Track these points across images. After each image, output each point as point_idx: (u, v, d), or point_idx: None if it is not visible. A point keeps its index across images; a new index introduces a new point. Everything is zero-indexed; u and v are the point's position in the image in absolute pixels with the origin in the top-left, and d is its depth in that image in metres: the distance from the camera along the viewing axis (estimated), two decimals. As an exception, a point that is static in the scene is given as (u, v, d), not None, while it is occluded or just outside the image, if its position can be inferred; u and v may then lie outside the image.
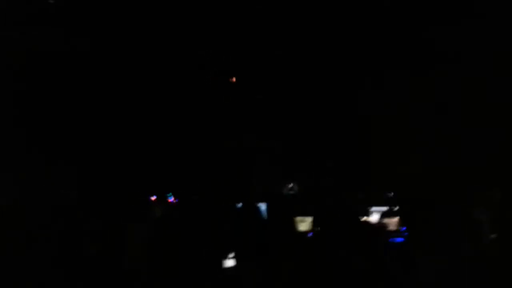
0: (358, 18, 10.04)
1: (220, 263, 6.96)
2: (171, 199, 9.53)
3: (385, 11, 9.94)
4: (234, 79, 10.70)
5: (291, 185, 10.16)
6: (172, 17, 10.01)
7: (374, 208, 9.29)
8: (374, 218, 9.19)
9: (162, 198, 9.27)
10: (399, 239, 7.72)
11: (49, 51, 9.67)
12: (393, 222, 8.94)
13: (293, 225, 7.36)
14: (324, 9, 10.02)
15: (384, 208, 9.32)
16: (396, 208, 9.15)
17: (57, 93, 9.87)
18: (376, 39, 10.22)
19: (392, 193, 9.78)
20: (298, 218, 7.81)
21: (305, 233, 7.76)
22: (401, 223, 8.61)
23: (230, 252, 6.94)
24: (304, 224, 7.93)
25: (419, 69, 10.10)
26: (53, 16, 9.70)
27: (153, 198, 9.04)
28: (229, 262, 6.96)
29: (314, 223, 7.74)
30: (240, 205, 7.52)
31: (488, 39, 9.49)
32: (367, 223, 8.14)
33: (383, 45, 10.20)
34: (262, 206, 7.62)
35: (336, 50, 10.41)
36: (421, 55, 10.08)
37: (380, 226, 8.57)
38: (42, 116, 9.60)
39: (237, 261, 6.83)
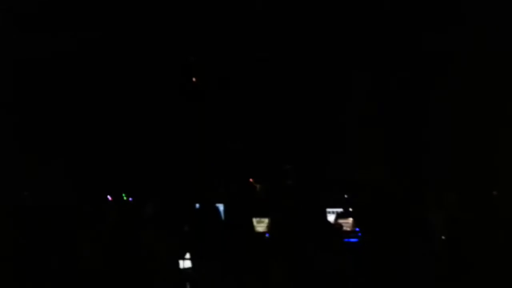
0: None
1: (178, 263, 6.98)
2: (127, 199, 9.50)
3: (384, 13, 10.01)
4: (194, 79, 10.70)
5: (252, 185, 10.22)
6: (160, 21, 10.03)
7: (329, 209, 9.40)
8: (329, 218, 9.30)
9: (118, 198, 9.24)
10: (354, 240, 7.83)
11: (40, 55, 9.64)
12: (348, 223, 9.08)
13: (251, 226, 7.40)
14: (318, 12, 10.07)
15: (339, 209, 9.45)
16: (351, 210, 9.28)
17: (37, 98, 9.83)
18: (333, 42, 10.32)
19: (347, 195, 9.89)
20: (256, 219, 7.87)
21: (262, 234, 7.82)
22: (355, 224, 8.73)
23: (188, 251, 6.96)
24: (262, 225, 8.00)
25: (384, 73, 10.24)
26: (45, 19, 9.66)
27: (110, 198, 9.00)
28: (187, 262, 6.98)
29: (272, 224, 7.79)
30: (198, 205, 7.54)
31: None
32: (324, 223, 8.22)
33: (352, 49, 10.29)
34: (220, 207, 7.64)
35: (307, 53, 10.48)
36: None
37: (335, 226, 8.68)
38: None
39: (195, 261, 6.85)
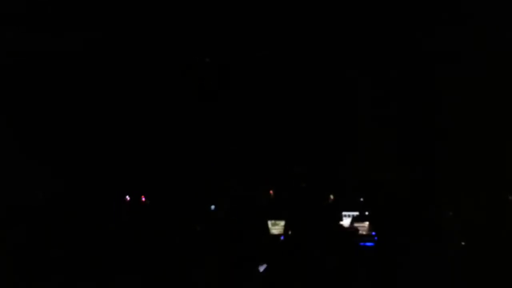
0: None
1: (193, 263, 6.95)
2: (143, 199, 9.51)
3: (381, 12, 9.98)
4: (207, 81, 10.68)
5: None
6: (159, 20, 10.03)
7: (345, 213, 9.34)
8: (345, 222, 9.24)
9: (136, 199, 9.26)
10: (370, 244, 7.77)
11: (44, 55, 9.68)
12: (364, 227, 9.00)
13: (266, 228, 7.39)
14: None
15: (355, 213, 9.38)
16: (367, 213, 9.21)
17: (27, 95, 9.85)
18: (333, 44, 10.27)
19: (363, 198, 9.83)
20: (271, 222, 7.84)
21: (277, 236, 7.79)
22: (371, 227, 8.66)
23: (203, 252, 6.93)
24: (277, 227, 7.96)
25: (402, 75, 10.19)
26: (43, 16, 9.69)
27: (128, 198, 9.04)
28: (203, 262, 6.95)
29: (287, 226, 7.76)
30: (213, 207, 7.53)
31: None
32: (338, 226, 8.18)
33: (369, 50, 10.24)
34: (235, 209, 7.63)
35: (311, 54, 10.44)
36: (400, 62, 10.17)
37: (351, 230, 8.62)
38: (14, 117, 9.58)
39: (212, 261, 6.82)
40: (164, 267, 6.72)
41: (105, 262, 6.75)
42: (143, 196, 9.19)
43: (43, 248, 6.81)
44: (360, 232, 8.79)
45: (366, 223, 9.01)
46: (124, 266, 6.74)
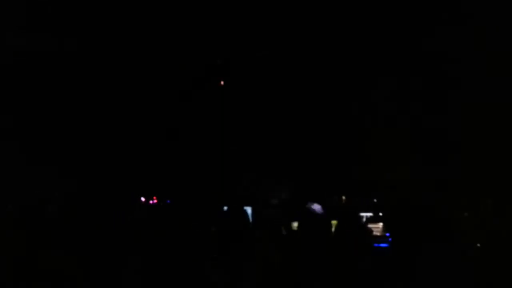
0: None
1: (205, 263, 6.93)
2: (154, 200, 9.51)
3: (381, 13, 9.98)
4: (222, 83, 10.66)
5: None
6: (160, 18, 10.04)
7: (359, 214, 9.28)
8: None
9: (148, 199, 9.26)
10: (384, 245, 7.72)
11: (43, 55, 9.70)
12: (378, 228, 8.95)
13: (280, 229, 7.32)
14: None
15: (369, 214, 9.33)
16: (381, 214, 9.16)
17: (37, 95, 9.87)
18: (363, 45, 10.26)
19: (377, 199, 9.79)
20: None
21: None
22: (385, 228, 8.61)
23: (215, 252, 6.91)
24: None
25: (409, 76, 10.17)
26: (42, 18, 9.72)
27: (143, 199, 9.05)
28: (214, 262, 6.92)
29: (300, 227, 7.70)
30: (226, 208, 7.49)
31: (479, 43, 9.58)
32: (353, 227, 8.11)
33: (374, 50, 10.23)
34: (248, 210, 7.59)
35: (323, 54, 10.43)
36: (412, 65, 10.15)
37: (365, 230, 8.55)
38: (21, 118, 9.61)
39: (222, 261, 6.80)
40: (164, 267, 6.70)
41: (105, 262, 6.73)
42: (154, 197, 9.19)
43: (43, 249, 6.80)
44: (374, 233, 8.73)
45: (380, 224, 8.95)
46: (124, 266, 6.73)
